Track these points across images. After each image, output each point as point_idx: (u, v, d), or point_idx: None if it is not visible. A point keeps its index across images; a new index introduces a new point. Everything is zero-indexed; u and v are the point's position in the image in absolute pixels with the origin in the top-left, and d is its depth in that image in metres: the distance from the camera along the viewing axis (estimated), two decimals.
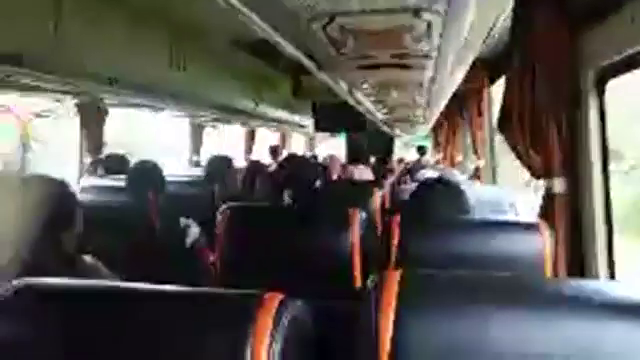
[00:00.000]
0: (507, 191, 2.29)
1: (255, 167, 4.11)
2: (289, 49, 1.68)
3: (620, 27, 1.26)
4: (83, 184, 3.14)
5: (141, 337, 0.73)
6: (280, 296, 0.76)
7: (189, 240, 2.39)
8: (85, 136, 3.57)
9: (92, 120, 3.57)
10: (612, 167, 1.38)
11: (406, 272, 0.79)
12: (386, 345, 0.72)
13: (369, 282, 0.83)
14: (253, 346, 0.69)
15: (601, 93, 1.40)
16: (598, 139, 1.40)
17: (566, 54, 1.45)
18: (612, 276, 1.38)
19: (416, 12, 1.22)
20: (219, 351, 0.70)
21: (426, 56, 1.60)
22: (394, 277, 0.79)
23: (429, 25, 1.26)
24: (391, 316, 0.73)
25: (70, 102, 3.34)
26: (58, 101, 3.05)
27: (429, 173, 3.26)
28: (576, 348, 0.66)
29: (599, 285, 0.79)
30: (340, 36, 1.37)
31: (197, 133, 5.14)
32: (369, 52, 1.57)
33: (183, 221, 2.44)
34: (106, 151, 3.62)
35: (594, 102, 1.40)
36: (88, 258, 1.47)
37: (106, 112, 3.63)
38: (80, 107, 3.48)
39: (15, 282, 0.78)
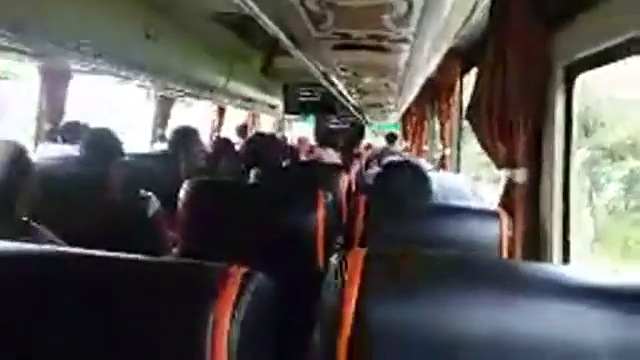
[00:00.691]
0: (470, 180, 2.35)
1: (222, 144, 4.05)
2: (267, 24, 1.64)
3: (590, 24, 1.30)
4: (40, 151, 3.01)
5: (99, 306, 0.71)
6: (243, 269, 0.75)
7: (149, 213, 2.33)
8: (46, 100, 3.42)
9: (55, 84, 3.41)
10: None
11: (371, 251, 0.80)
12: (348, 323, 0.72)
13: (333, 259, 0.83)
14: (215, 318, 0.68)
15: (569, 88, 1.44)
16: (562, 133, 1.44)
17: (539, 49, 1.48)
18: (566, 262, 1.44)
19: None
20: (181, 322, 0.69)
21: (404, 40, 1.59)
22: (359, 255, 0.79)
23: (410, 5, 1.25)
24: (354, 294, 0.74)
25: (32, 63, 3.18)
26: (19, 61, 2.89)
27: (396, 159, 3.29)
28: (536, 328, 0.68)
29: (553, 268, 0.82)
30: (319, 10, 1.35)
31: (165, 106, 5.00)
32: (347, 31, 1.55)
33: (143, 193, 2.38)
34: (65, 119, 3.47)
35: (562, 97, 1.44)
36: (41, 227, 1.42)
37: (70, 76, 3.48)
38: (43, 69, 3.32)
39: None
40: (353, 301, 0.73)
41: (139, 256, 0.79)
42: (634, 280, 0.71)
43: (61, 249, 0.83)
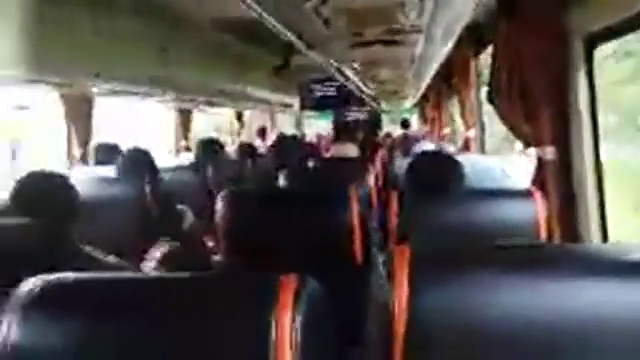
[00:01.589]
0: (499, 160, 2.34)
1: (246, 149, 4.11)
2: (280, 30, 1.67)
3: None
4: (74, 174, 3.11)
5: (170, 325, 0.75)
6: (296, 276, 0.78)
7: (185, 226, 2.40)
8: (72, 127, 3.52)
9: (78, 110, 3.51)
10: None
11: (416, 246, 0.81)
12: (401, 320, 0.74)
13: (379, 257, 0.85)
14: (277, 326, 0.71)
15: (590, 60, 1.42)
16: (587, 106, 1.43)
17: (555, 22, 1.47)
18: (605, 239, 1.43)
19: None
20: (244, 334, 0.72)
21: (417, 31, 1.61)
22: (405, 251, 0.81)
23: (422, 1, 1.26)
24: (405, 290, 0.75)
25: (54, 94, 3.29)
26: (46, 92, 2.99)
27: (426, 145, 3.28)
28: (584, 310, 0.69)
29: (594, 248, 0.83)
30: (332, 16, 1.38)
31: (185, 117, 5.08)
32: (360, 30, 1.57)
33: (179, 208, 2.45)
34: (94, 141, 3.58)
35: (583, 69, 1.43)
36: (89, 248, 1.48)
37: (92, 99, 3.57)
38: (65, 97, 3.42)
39: (32, 280, 0.79)
40: (404, 298, 0.75)
41: (197, 273, 0.83)
42: None
43: (126, 275, 0.88)
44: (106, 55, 2.52)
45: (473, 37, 2.81)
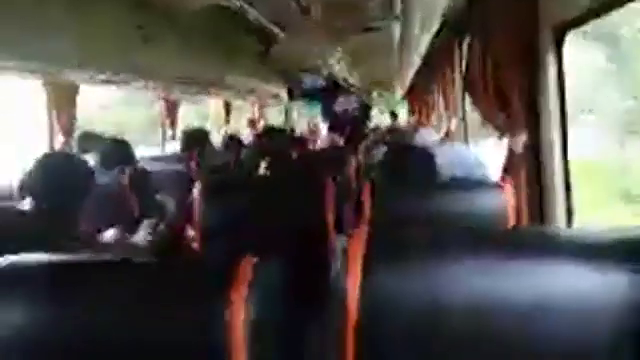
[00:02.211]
0: (476, 150, 2.35)
1: (231, 140, 4.10)
2: (260, 17, 1.67)
3: None
4: None
5: (119, 308, 0.75)
6: (253, 259, 0.79)
7: (167, 215, 2.41)
8: (55, 116, 3.48)
9: (62, 99, 3.47)
10: None
11: (372, 231, 0.82)
12: (354, 304, 0.74)
13: (339, 242, 0.86)
14: (229, 309, 0.71)
15: (559, 49, 1.43)
16: (556, 94, 1.44)
17: (525, 10, 1.48)
18: (570, 225, 1.45)
19: None
20: (198, 315, 0.73)
21: (391, 18, 1.61)
22: (360, 236, 0.81)
23: None
24: (358, 274, 0.75)
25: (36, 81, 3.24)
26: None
27: (427, 135, 3.26)
28: (543, 292, 0.69)
29: (556, 231, 0.83)
30: (309, 4, 1.38)
31: (172, 106, 5.05)
32: (336, 17, 1.57)
33: (159, 198, 2.45)
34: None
35: (553, 58, 1.44)
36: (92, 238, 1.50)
37: (76, 90, 3.54)
38: (47, 86, 3.38)
39: None
40: (357, 282, 0.75)
41: (153, 259, 0.84)
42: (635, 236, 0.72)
43: (84, 258, 0.88)
44: (88, 43, 2.50)
45: (455, 27, 2.81)
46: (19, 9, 1.95)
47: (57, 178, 1.43)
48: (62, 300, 0.77)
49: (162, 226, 2.33)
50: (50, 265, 0.81)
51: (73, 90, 3.51)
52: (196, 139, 3.75)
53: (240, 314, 0.72)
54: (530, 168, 1.50)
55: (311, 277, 1.42)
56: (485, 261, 0.73)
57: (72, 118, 3.55)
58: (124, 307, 0.76)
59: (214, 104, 6.33)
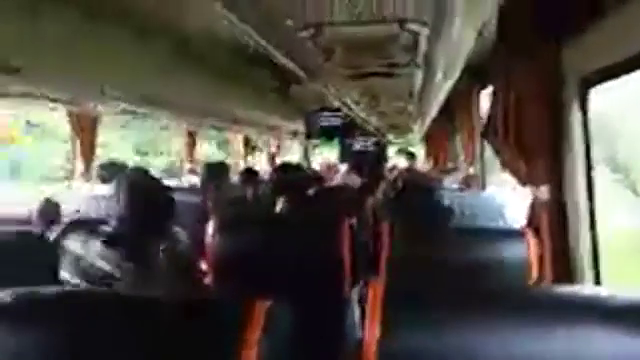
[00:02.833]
0: (497, 198, 2.32)
1: (249, 175, 4.12)
2: (280, 58, 1.70)
3: (602, 36, 1.29)
4: (76, 194, 3.13)
5: (130, 345, 0.74)
6: (268, 303, 0.77)
7: (178, 249, 2.38)
8: (77, 143, 3.55)
9: (85, 128, 3.55)
10: None
11: (391, 282, 0.80)
12: (372, 353, 0.72)
13: (353, 292, 0.84)
14: (241, 353, 0.69)
15: (584, 102, 1.42)
16: (582, 147, 1.42)
17: (550, 63, 1.48)
18: (598, 282, 1.40)
19: (401, 23, 1.24)
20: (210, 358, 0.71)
21: (413, 65, 1.63)
22: (379, 287, 0.79)
23: (415, 35, 1.28)
24: (376, 326, 0.74)
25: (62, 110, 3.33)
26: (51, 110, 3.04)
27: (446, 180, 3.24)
28: (564, 356, 0.67)
29: (583, 291, 0.80)
30: (328, 45, 1.40)
31: (191, 139, 5.14)
32: (357, 61, 1.59)
33: (173, 230, 2.43)
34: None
35: (577, 111, 1.43)
36: None
37: (99, 118, 3.62)
38: (71, 114, 3.46)
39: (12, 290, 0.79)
40: (375, 333, 0.74)
41: (164, 295, 0.82)
42: None
43: (100, 291, 0.87)
44: (110, 74, 2.56)
45: (476, 74, 2.83)
46: (49, 38, 2.01)
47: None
48: (68, 335, 0.75)
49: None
50: (57, 298, 0.81)
51: (95, 117, 3.59)
52: (216, 172, 3.78)
53: (251, 357, 0.70)
54: (555, 219, 1.46)
55: (325, 324, 1.38)
56: (505, 320, 0.71)
57: (93, 145, 3.62)
58: (137, 346, 0.74)
59: (234, 139, 6.42)
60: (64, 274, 1.58)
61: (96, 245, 1.47)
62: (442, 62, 1.73)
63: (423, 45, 1.37)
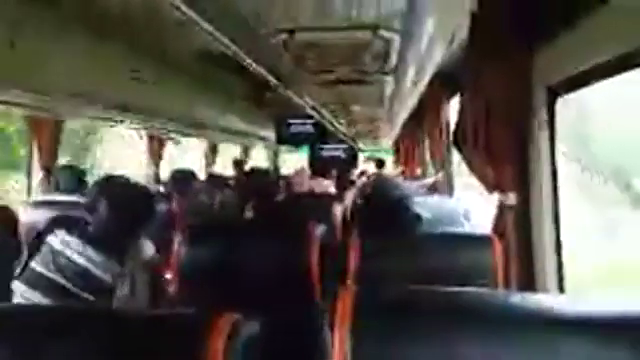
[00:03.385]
0: (462, 203, 2.35)
1: (216, 181, 4.05)
2: (251, 63, 1.68)
3: (572, 44, 1.30)
4: (36, 200, 2.99)
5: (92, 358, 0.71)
6: (233, 317, 0.75)
7: (143, 258, 2.32)
8: (37, 148, 3.40)
9: (45, 131, 3.40)
10: None
11: (361, 289, 0.79)
12: None
13: (322, 301, 0.83)
14: None
15: (552, 110, 1.45)
16: (548, 156, 1.45)
17: (521, 71, 1.50)
18: (561, 289, 1.42)
19: (374, 29, 1.24)
20: None
21: (385, 73, 1.63)
22: (349, 294, 0.78)
23: (387, 42, 1.28)
24: (346, 333, 0.73)
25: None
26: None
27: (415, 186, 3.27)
28: None
29: (547, 299, 0.81)
30: (300, 51, 1.38)
31: (157, 146, 5.02)
32: (329, 68, 1.58)
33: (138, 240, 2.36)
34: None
35: (545, 119, 1.45)
36: None
37: (61, 122, 3.48)
38: (30, 117, 3.32)
39: None
40: (345, 340, 0.73)
41: (128, 308, 0.78)
42: (634, 309, 0.70)
43: (61, 305, 0.83)
44: (82, 78, 2.49)
45: (446, 80, 2.87)
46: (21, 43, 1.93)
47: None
48: (37, 348, 0.71)
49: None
50: (26, 312, 0.77)
51: (57, 123, 3.45)
52: (181, 180, 3.70)
53: None
54: (520, 226, 1.48)
55: (294, 333, 1.35)
56: (473, 327, 0.71)
57: (54, 151, 3.47)
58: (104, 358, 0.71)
59: (200, 144, 6.32)
60: (20, 285, 1.54)
61: (76, 243, 1.58)
62: (413, 69, 1.74)
63: (394, 53, 1.37)
